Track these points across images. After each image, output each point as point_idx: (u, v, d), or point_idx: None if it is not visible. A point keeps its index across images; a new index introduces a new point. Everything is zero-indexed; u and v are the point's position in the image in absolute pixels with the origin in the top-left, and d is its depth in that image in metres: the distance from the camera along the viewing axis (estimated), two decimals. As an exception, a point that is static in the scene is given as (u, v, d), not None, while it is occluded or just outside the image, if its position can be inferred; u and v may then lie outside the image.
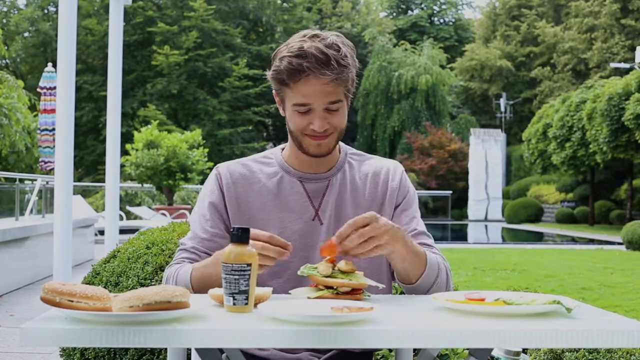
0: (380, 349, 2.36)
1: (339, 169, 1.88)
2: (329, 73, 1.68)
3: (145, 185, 15.14)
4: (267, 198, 1.83)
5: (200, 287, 1.67)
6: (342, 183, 1.86)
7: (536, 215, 25.08)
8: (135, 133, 15.10)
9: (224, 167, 1.88)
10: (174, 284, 1.73)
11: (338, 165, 1.88)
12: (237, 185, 1.84)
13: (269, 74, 1.77)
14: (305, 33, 1.74)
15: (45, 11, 33.01)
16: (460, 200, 29.16)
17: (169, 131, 18.14)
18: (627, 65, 25.77)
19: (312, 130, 1.74)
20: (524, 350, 2.63)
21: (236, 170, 1.86)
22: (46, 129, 10.30)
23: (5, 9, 33.27)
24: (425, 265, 1.70)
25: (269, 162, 1.89)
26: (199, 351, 1.48)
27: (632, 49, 29.02)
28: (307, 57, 1.67)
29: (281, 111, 1.82)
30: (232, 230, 1.39)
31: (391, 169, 1.91)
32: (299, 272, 1.58)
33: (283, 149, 1.92)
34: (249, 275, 1.36)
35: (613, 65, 26.71)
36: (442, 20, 41.91)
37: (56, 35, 8.95)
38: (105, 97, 11.63)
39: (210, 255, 1.77)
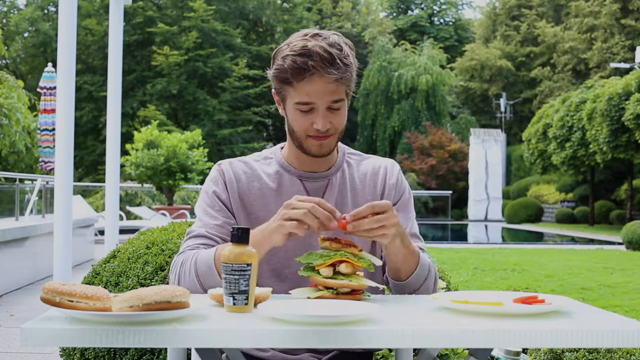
0: (380, 349, 2.36)
1: (338, 168, 1.89)
2: (335, 72, 1.68)
3: (145, 185, 15.14)
4: (269, 196, 1.83)
5: None
6: (342, 182, 1.87)
7: (536, 215, 25.08)
8: (135, 133, 15.08)
9: (226, 164, 1.88)
10: (192, 267, 1.68)
11: (337, 165, 1.89)
12: (239, 181, 1.84)
13: (269, 73, 1.76)
14: (306, 32, 1.74)
15: (45, 11, 33.00)
16: (460, 200, 29.16)
17: (169, 131, 18.14)
18: (627, 65, 25.76)
19: (315, 131, 1.74)
20: (524, 350, 2.63)
21: (238, 167, 1.87)
22: (46, 129, 10.29)
23: (5, 9, 33.27)
24: (417, 265, 1.74)
25: (269, 161, 1.89)
26: (199, 351, 1.48)
27: (632, 49, 29.02)
28: (311, 56, 1.67)
29: (280, 110, 1.82)
30: (232, 230, 1.39)
31: (389, 167, 1.93)
32: (299, 272, 1.58)
33: (282, 148, 1.92)
34: (249, 275, 1.36)
35: (613, 65, 26.70)
36: (442, 20, 41.90)
37: (56, 35, 8.95)
38: (105, 97, 11.65)
39: (225, 242, 1.76)
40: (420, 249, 1.84)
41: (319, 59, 1.67)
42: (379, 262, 1.59)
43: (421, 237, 1.91)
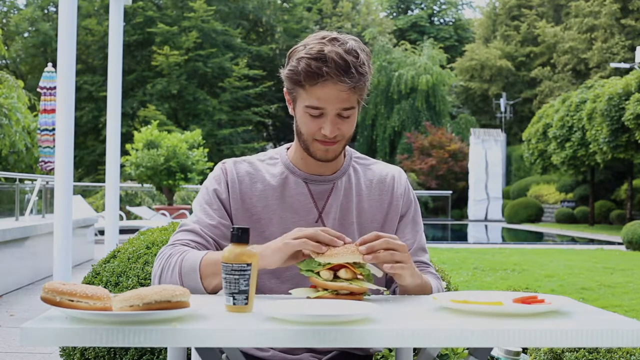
0: (380, 349, 2.36)
1: (344, 173, 1.88)
2: (348, 81, 1.65)
3: (145, 185, 15.14)
4: (271, 198, 1.82)
5: (209, 272, 1.62)
6: (348, 187, 1.86)
7: (536, 215, 25.08)
8: (135, 133, 15.09)
9: (230, 163, 1.86)
10: (177, 264, 1.66)
11: (343, 169, 1.88)
12: (242, 182, 1.83)
13: (283, 72, 1.74)
14: (325, 35, 1.71)
15: (45, 11, 32.99)
16: (460, 200, 29.16)
17: (169, 131, 18.14)
18: (627, 65, 25.76)
19: (322, 136, 1.73)
20: (524, 350, 2.63)
21: (242, 167, 1.85)
22: (46, 129, 10.29)
23: (5, 9, 33.27)
24: (432, 292, 1.76)
25: (274, 162, 1.88)
26: (199, 351, 1.48)
27: (632, 49, 29.02)
28: (327, 62, 1.65)
29: (290, 110, 1.81)
30: (232, 230, 1.39)
31: (396, 176, 1.92)
32: (300, 272, 1.58)
33: (288, 149, 1.91)
34: (249, 275, 1.36)
35: (613, 65, 26.69)
36: (442, 20, 41.91)
37: (56, 35, 8.96)
38: (105, 97, 11.65)
39: (216, 242, 1.76)
40: (425, 264, 1.86)
41: (334, 65, 1.64)
42: (379, 274, 1.59)
43: (427, 250, 1.92)
